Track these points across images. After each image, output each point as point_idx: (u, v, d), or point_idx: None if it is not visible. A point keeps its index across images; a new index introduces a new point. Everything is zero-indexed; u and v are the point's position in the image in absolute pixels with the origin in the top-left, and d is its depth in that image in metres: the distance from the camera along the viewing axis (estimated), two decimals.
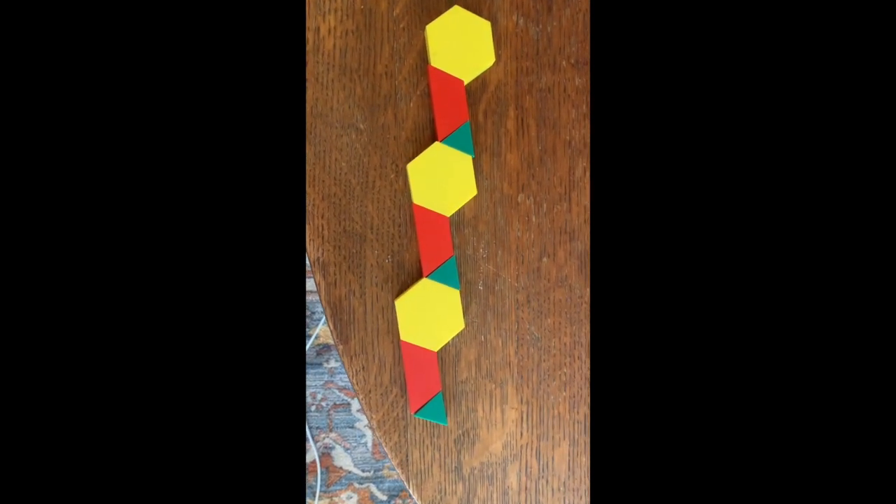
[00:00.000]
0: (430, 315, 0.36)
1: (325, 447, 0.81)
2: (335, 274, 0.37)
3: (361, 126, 0.37)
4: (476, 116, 0.37)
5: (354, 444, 0.81)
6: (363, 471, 0.81)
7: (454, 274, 0.36)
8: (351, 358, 0.37)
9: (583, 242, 0.38)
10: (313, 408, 0.81)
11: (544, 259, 0.38)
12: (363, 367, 0.37)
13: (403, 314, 0.36)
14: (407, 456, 0.37)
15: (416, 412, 0.36)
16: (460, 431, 0.37)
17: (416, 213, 0.36)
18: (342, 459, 0.81)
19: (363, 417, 0.80)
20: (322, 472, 0.80)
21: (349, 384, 0.81)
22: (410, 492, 0.37)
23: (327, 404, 0.81)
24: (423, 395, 0.36)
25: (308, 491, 0.81)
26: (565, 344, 0.38)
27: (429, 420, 0.37)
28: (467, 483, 0.37)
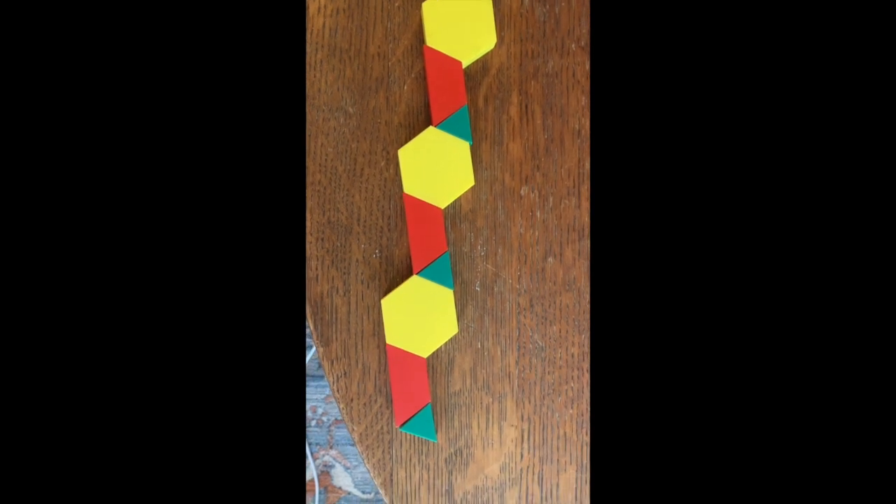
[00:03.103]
0: (419, 317, 0.33)
1: (325, 465, 0.77)
2: (317, 269, 0.34)
3: (350, 109, 0.34)
4: (476, 102, 0.34)
5: (355, 463, 0.77)
6: (364, 492, 0.77)
7: (448, 272, 0.33)
8: (332, 362, 0.33)
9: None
10: (313, 423, 0.77)
11: (550, 259, 0.34)
12: (345, 373, 0.33)
13: (390, 315, 0.32)
14: (391, 475, 0.33)
15: (401, 426, 0.33)
16: (452, 450, 0.34)
17: (407, 203, 0.33)
18: (342, 479, 0.77)
19: None
20: (320, 492, 0.76)
21: None
22: None
23: (328, 419, 0.77)
24: (409, 407, 0.32)
25: None
26: (573, 355, 0.34)
27: (416, 435, 0.33)
28: None
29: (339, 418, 0.78)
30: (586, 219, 0.34)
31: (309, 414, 0.78)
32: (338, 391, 0.33)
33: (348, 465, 0.77)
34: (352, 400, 0.33)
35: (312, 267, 0.34)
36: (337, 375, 0.33)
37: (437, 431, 0.33)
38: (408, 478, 0.33)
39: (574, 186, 0.34)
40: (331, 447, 0.78)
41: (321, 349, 0.33)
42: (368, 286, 0.34)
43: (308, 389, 0.78)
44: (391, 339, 0.33)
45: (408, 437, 0.33)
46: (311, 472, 0.77)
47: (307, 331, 0.76)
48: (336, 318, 0.34)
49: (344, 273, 0.34)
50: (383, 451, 0.33)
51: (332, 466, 0.78)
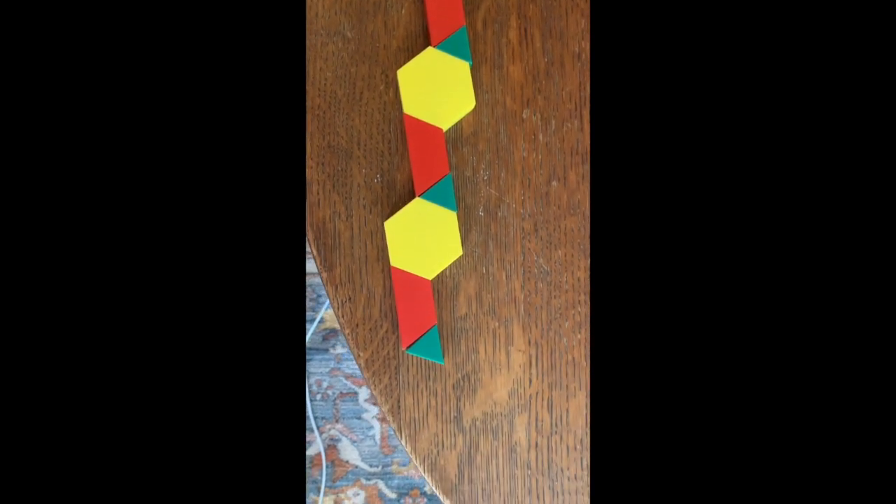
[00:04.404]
0: (423, 239, 0.32)
1: (331, 439, 0.76)
2: (318, 193, 0.33)
3: (349, 34, 0.34)
4: (474, 25, 0.34)
5: (362, 437, 0.76)
6: (371, 466, 0.76)
7: (450, 194, 0.33)
8: (336, 287, 0.33)
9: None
10: (319, 397, 0.77)
11: (553, 183, 0.34)
12: (349, 299, 0.33)
13: (394, 237, 0.32)
14: (399, 402, 0.33)
15: (407, 348, 0.32)
16: (459, 375, 0.33)
17: (408, 124, 0.33)
18: (349, 452, 0.76)
19: (372, 408, 0.75)
20: (327, 466, 0.76)
21: (357, 371, 0.77)
22: (403, 443, 0.32)
23: (333, 393, 0.77)
24: (415, 329, 0.32)
25: (312, 486, 0.76)
26: (579, 279, 0.34)
27: (423, 357, 0.33)
28: (468, 436, 0.33)
29: (345, 391, 0.78)
30: (589, 142, 0.34)
31: (314, 388, 0.77)
32: (342, 316, 0.33)
33: (355, 438, 0.77)
34: (357, 325, 0.33)
35: (314, 192, 0.33)
36: (341, 301, 0.33)
37: (444, 355, 0.33)
38: (415, 404, 0.33)
39: (576, 109, 0.34)
40: (337, 421, 0.77)
41: (325, 274, 0.33)
42: (371, 211, 0.33)
43: (312, 363, 0.78)
44: (395, 261, 0.32)
45: (415, 362, 0.33)
46: (318, 446, 0.76)
47: (308, 304, 0.75)
48: (339, 243, 0.33)
49: (346, 198, 0.33)
50: (390, 377, 0.33)
51: (338, 440, 0.77)
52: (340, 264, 0.33)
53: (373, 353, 0.33)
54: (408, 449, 0.33)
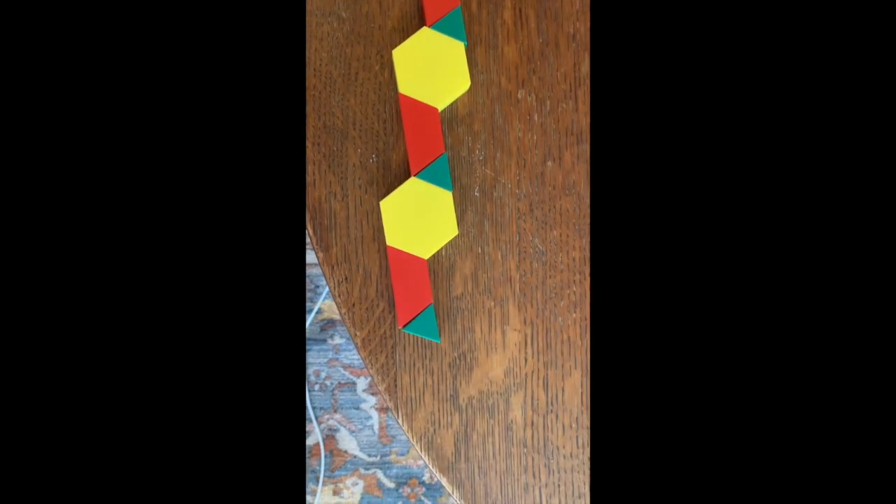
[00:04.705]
0: (419, 218, 0.32)
1: (330, 429, 0.77)
2: (314, 173, 0.34)
3: (344, 14, 0.34)
4: (469, 6, 0.34)
5: (360, 427, 0.77)
6: (369, 455, 0.76)
7: (446, 173, 0.33)
8: (332, 267, 0.33)
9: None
10: (317, 387, 0.77)
11: (549, 163, 0.34)
12: (346, 278, 0.33)
13: (389, 216, 0.32)
14: (395, 380, 0.33)
15: (404, 326, 0.32)
16: (456, 354, 0.33)
17: (403, 103, 0.33)
18: (347, 442, 0.76)
19: (370, 398, 0.76)
20: (326, 456, 0.76)
21: (355, 361, 0.77)
22: (399, 422, 0.33)
23: (332, 383, 0.77)
24: (412, 308, 0.32)
25: (311, 476, 0.76)
26: (574, 259, 0.34)
27: (419, 335, 0.33)
28: (464, 414, 0.33)
29: (343, 381, 0.78)
30: (584, 122, 0.34)
31: (312, 378, 0.78)
32: (339, 296, 0.33)
33: (353, 428, 0.77)
34: (353, 305, 0.33)
35: (309, 172, 0.34)
36: (338, 280, 0.33)
37: (440, 333, 0.33)
38: (412, 383, 0.33)
39: (570, 90, 0.34)
40: (335, 411, 0.78)
41: (321, 254, 0.33)
42: (366, 191, 0.33)
43: (310, 353, 0.78)
44: (391, 240, 0.32)
45: (411, 341, 0.33)
46: (317, 436, 0.76)
47: (307, 294, 0.75)
48: (335, 223, 0.34)
49: (341, 178, 0.34)
50: (387, 356, 0.33)
51: (336, 430, 0.77)
52: (336, 244, 0.33)
53: (369, 332, 0.33)
54: (404, 427, 0.33)
